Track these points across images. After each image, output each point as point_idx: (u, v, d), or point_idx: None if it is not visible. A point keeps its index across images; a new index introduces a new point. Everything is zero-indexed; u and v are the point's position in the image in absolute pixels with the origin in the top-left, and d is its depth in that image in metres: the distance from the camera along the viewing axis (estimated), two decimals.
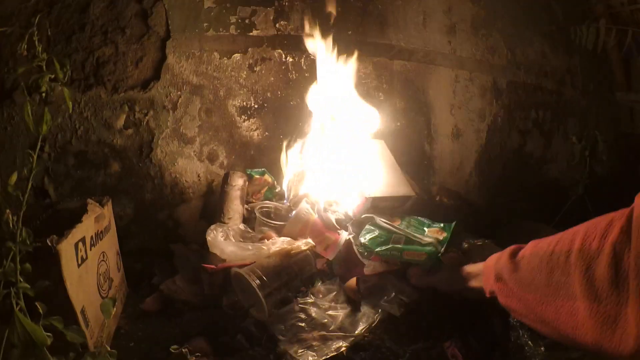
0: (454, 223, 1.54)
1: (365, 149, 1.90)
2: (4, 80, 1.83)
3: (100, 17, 1.92)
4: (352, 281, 1.40)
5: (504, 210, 2.49)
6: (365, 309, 1.34)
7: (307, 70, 2.21)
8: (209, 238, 1.51)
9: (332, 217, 1.67)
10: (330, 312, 1.32)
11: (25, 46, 0.92)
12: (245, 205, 1.84)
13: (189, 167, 2.08)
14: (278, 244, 1.46)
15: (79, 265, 1.14)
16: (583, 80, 3.04)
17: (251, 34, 2.14)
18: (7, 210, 0.76)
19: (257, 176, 1.97)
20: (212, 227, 1.56)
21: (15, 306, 0.78)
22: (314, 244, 1.51)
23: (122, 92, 1.96)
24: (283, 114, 2.21)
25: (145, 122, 2.00)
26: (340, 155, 1.84)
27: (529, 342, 1.25)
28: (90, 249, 1.23)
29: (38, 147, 0.82)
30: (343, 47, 2.02)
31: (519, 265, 1.01)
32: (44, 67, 0.85)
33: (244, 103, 2.16)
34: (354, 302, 1.37)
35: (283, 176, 1.96)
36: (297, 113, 2.15)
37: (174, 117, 2.04)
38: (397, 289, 1.38)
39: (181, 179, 2.07)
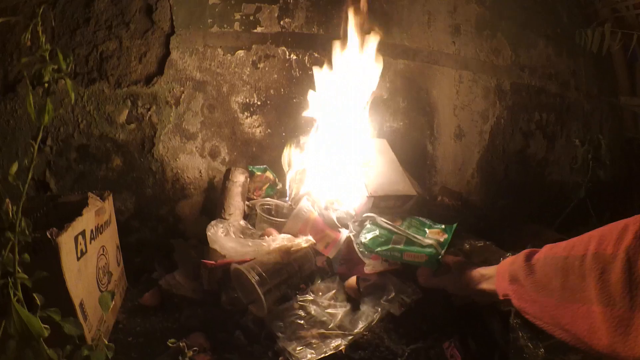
0: (454, 225, 1.54)
1: (368, 148, 1.90)
2: (8, 72, 1.83)
3: (105, 11, 1.92)
4: (352, 280, 1.39)
5: (506, 212, 2.49)
6: (364, 307, 1.34)
7: (310, 68, 2.20)
8: (209, 233, 1.50)
9: (333, 215, 1.66)
10: (329, 310, 1.31)
11: (29, 36, 0.92)
12: (246, 202, 1.84)
13: (191, 163, 2.08)
14: (278, 240, 1.46)
15: (78, 259, 1.14)
16: (587, 83, 3.03)
17: (255, 30, 2.13)
18: (7, 200, 0.76)
19: (259, 173, 1.97)
20: (213, 222, 1.56)
21: (12, 297, 0.77)
22: (314, 241, 1.51)
23: (125, 87, 1.97)
24: (286, 112, 2.20)
25: (147, 117, 2.00)
26: (342, 153, 1.83)
27: (529, 343, 1.24)
28: (90, 243, 1.23)
29: (39, 137, 0.81)
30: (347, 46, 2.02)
31: (534, 268, 1.01)
32: (47, 58, 0.84)
33: (247, 100, 2.15)
34: (353, 301, 1.37)
35: (285, 173, 1.96)
36: (300, 111, 2.14)
37: (177, 112, 2.04)
38: (397, 289, 1.37)
39: (183, 174, 2.07)
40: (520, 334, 1.26)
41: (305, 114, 1.97)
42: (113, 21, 1.94)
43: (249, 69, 2.14)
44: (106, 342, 0.91)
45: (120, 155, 1.99)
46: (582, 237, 0.93)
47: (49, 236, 1.02)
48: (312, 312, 1.30)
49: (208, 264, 1.43)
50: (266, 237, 1.50)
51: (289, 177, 1.90)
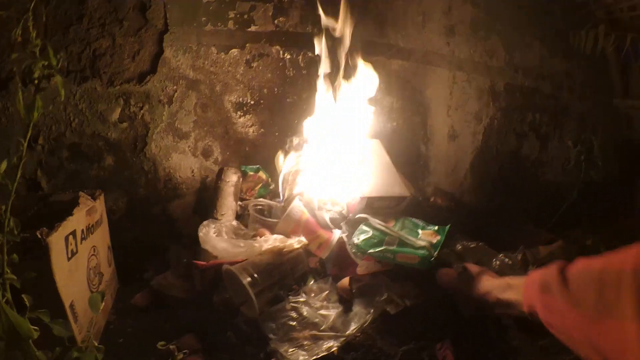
0: (447, 226, 1.54)
1: (361, 148, 1.89)
2: (0, 70, 1.81)
3: (99, 8, 1.91)
4: (345, 281, 1.39)
5: (499, 213, 2.49)
6: (357, 308, 1.33)
7: (304, 68, 2.20)
8: (201, 234, 1.50)
9: (326, 216, 1.66)
10: (322, 312, 1.31)
11: (20, 32, 0.91)
12: (239, 202, 1.83)
13: (183, 162, 2.07)
14: (270, 241, 1.45)
15: (69, 259, 1.13)
16: (581, 84, 3.04)
17: (249, 29, 2.12)
18: None
19: (252, 173, 1.96)
20: (205, 223, 1.55)
21: (1, 298, 0.76)
22: (307, 242, 1.50)
23: (117, 85, 1.95)
24: (279, 111, 2.20)
25: (140, 116, 1.99)
26: (336, 153, 1.83)
27: (523, 345, 1.25)
28: (81, 243, 1.22)
29: (29, 135, 0.80)
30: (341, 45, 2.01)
31: (568, 279, 0.96)
32: (37, 53, 0.83)
33: (240, 99, 2.14)
34: (346, 302, 1.37)
35: (277, 173, 1.95)
36: (294, 110, 2.14)
37: (170, 111, 2.03)
38: (390, 290, 1.37)
39: (175, 174, 2.06)
40: (514, 335, 1.27)
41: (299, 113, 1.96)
42: (106, 18, 1.92)
43: (242, 68, 2.13)
44: (96, 344, 0.89)
45: (112, 154, 1.98)
46: (620, 251, 0.90)
47: (39, 236, 1.01)
48: (305, 314, 1.29)
49: (200, 265, 1.42)
50: (258, 237, 1.49)
51: (281, 178, 1.90)
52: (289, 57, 2.20)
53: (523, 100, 2.80)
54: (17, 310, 0.79)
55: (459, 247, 1.61)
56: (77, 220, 1.21)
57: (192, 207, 2.08)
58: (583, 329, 0.90)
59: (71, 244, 1.15)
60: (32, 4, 0.86)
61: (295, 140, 1.97)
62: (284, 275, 1.38)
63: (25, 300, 0.79)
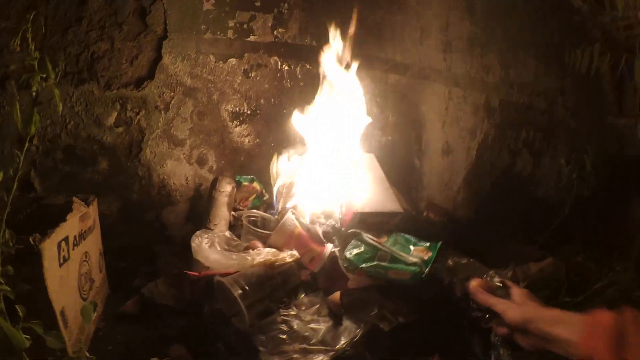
0: (439, 243, 1.55)
1: (355, 162, 1.90)
2: None
3: (99, 11, 1.91)
4: (336, 295, 1.39)
5: (491, 229, 2.50)
6: (347, 323, 1.33)
7: (302, 80, 2.21)
8: (193, 244, 1.50)
9: (319, 230, 1.66)
10: (312, 325, 1.31)
11: (19, 42, 0.91)
12: (232, 212, 1.83)
13: (178, 169, 2.07)
14: (263, 254, 1.45)
15: (60, 265, 1.13)
16: (575, 102, 3.07)
17: (248, 39, 2.13)
18: None
19: (246, 183, 1.96)
20: (198, 233, 1.55)
21: None
22: (299, 255, 1.50)
23: (114, 89, 1.95)
24: (275, 122, 2.20)
25: (136, 121, 1.99)
26: (330, 167, 1.83)
27: None
28: (73, 249, 1.22)
29: (25, 147, 0.81)
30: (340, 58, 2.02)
31: None
32: (36, 66, 0.83)
33: (237, 108, 2.15)
34: (336, 316, 1.37)
35: (272, 185, 1.95)
36: (290, 122, 2.14)
37: (166, 118, 2.03)
38: (382, 305, 1.37)
39: (169, 180, 2.05)
40: (502, 351, 1.27)
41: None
42: (106, 21, 1.92)
43: (240, 78, 2.14)
44: (87, 354, 0.90)
45: (107, 158, 1.97)
46: None
47: (32, 242, 1.01)
48: (295, 327, 1.29)
49: (191, 275, 1.42)
50: (251, 250, 1.50)
51: (276, 190, 1.90)
52: (286, 68, 2.21)
53: (517, 117, 2.83)
54: (10, 320, 0.79)
55: (450, 262, 1.61)
56: (70, 226, 1.21)
57: (185, 215, 2.08)
58: None
59: (63, 250, 1.15)
60: (32, 16, 0.86)
61: (291, 153, 1.97)
62: (275, 288, 1.38)
63: (19, 310, 0.79)
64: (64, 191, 1.85)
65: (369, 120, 1.99)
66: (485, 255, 1.68)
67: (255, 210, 1.87)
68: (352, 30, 1.95)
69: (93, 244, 1.41)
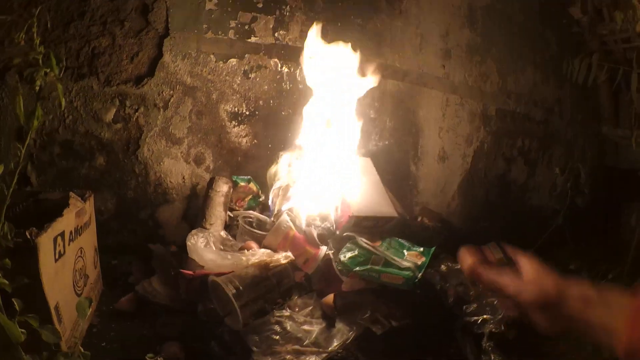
0: (432, 248, 1.56)
1: (352, 166, 1.91)
2: None
3: (101, 6, 1.91)
4: (330, 297, 1.40)
5: (484, 235, 2.51)
6: (340, 325, 1.34)
7: (301, 82, 2.21)
8: (189, 243, 1.50)
9: (314, 232, 1.67)
10: (305, 327, 1.32)
11: (23, 36, 0.91)
12: (228, 212, 1.84)
13: (175, 168, 2.07)
14: (257, 255, 1.46)
15: (56, 260, 1.13)
16: (571, 111, 3.10)
17: (249, 40, 2.14)
18: None
19: (243, 183, 1.97)
20: (193, 232, 1.56)
21: None
22: (293, 257, 1.51)
23: (114, 85, 1.95)
24: (273, 124, 2.21)
25: (134, 118, 1.99)
26: (327, 170, 1.84)
27: None
28: (69, 244, 1.22)
29: (27, 142, 0.81)
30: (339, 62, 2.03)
31: None
32: (40, 61, 0.84)
33: (236, 109, 2.15)
34: (329, 318, 1.38)
35: (268, 186, 1.96)
36: (288, 124, 2.15)
37: (164, 116, 2.03)
38: (375, 308, 1.38)
39: (166, 179, 2.05)
40: (493, 357, 1.28)
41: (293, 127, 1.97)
42: (108, 17, 1.92)
43: (240, 78, 2.14)
44: (82, 350, 0.90)
45: (104, 154, 1.97)
46: None
47: (28, 236, 1.01)
48: (288, 328, 1.30)
49: (186, 274, 1.42)
50: (246, 250, 1.50)
51: (272, 191, 1.90)
52: (286, 70, 2.22)
53: (513, 125, 2.85)
54: (5, 313, 0.79)
55: (443, 267, 1.62)
56: (66, 222, 1.21)
57: (181, 213, 2.08)
58: None
59: (59, 245, 1.15)
60: (38, 10, 0.86)
61: (288, 155, 1.98)
62: (270, 289, 1.39)
63: (16, 304, 0.79)
64: (60, 186, 1.86)
65: (366, 124, 2.00)
66: None
67: (251, 211, 1.88)
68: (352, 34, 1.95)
69: (88, 240, 1.41)
